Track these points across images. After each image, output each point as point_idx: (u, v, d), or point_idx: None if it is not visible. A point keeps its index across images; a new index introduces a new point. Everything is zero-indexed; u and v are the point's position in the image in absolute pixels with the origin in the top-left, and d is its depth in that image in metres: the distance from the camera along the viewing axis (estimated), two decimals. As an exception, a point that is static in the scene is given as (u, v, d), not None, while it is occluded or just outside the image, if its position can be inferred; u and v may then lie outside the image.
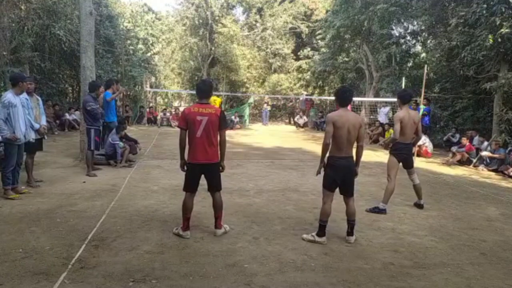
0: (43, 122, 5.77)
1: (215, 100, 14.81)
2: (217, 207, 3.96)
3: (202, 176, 3.92)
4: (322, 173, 3.98)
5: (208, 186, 3.99)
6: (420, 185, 5.40)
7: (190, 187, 3.89)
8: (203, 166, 3.82)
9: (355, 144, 3.95)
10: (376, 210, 5.03)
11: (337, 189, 3.98)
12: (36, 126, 5.48)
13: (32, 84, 5.59)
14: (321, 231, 3.90)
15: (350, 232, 4.00)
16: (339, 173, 3.84)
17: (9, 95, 4.92)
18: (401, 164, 5.22)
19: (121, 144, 7.55)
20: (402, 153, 5.13)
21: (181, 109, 21.68)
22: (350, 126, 3.77)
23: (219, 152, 3.88)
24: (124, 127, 8.10)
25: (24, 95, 5.26)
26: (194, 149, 3.77)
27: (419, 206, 5.39)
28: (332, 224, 4.45)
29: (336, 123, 3.75)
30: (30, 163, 5.73)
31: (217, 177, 3.94)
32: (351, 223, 3.99)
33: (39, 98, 5.87)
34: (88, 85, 7.07)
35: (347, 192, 3.97)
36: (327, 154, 3.89)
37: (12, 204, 4.74)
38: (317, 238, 3.89)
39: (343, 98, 3.91)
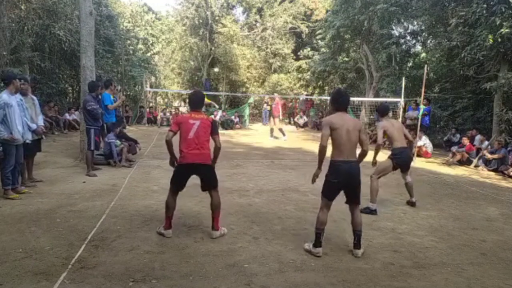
0: (40, 122, 5.69)
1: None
2: (214, 206, 3.92)
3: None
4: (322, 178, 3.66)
5: (205, 186, 3.98)
6: (412, 183, 5.48)
7: (175, 185, 3.92)
8: (194, 167, 3.84)
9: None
10: (367, 211, 4.94)
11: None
12: (33, 126, 5.40)
13: (25, 84, 5.39)
14: (317, 241, 3.58)
15: (357, 244, 3.63)
16: (341, 179, 3.54)
17: (4, 96, 4.90)
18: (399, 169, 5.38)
19: (118, 142, 7.53)
20: (401, 157, 5.24)
21: (181, 109, 21.73)
22: (349, 127, 3.55)
23: (211, 155, 3.91)
24: (123, 126, 8.08)
25: (18, 95, 5.18)
26: (185, 150, 3.80)
27: (411, 203, 5.47)
28: (333, 224, 4.45)
29: (333, 125, 3.53)
30: (30, 163, 5.73)
31: (212, 176, 3.95)
32: (357, 234, 3.63)
33: (35, 98, 5.74)
34: (88, 85, 7.06)
35: (353, 200, 3.65)
36: (330, 158, 3.61)
37: (12, 204, 4.74)
38: (313, 249, 3.59)
39: (339, 102, 3.68)
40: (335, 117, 3.62)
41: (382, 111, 5.55)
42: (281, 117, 13.65)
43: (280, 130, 13.06)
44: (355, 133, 3.59)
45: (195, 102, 4.02)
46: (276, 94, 14.14)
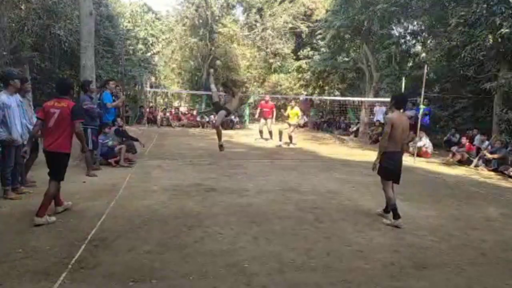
0: None
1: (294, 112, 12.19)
2: (45, 195, 4.13)
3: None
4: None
5: (49, 173, 4.23)
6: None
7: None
8: (48, 154, 4.17)
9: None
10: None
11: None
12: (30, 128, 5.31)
13: (22, 86, 5.18)
14: (396, 215, 4.48)
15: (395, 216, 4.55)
16: (396, 165, 4.60)
17: (2, 96, 4.86)
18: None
19: (110, 143, 7.46)
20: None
21: (181, 109, 21.72)
22: (404, 126, 4.56)
23: (68, 143, 4.21)
24: (118, 125, 8.05)
25: (18, 96, 5.11)
26: (45, 137, 4.22)
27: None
28: (333, 224, 4.46)
29: (395, 124, 4.49)
30: (28, 164, 5.73)
31: (55, 166, 4.20)
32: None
33: (30, 99, 5.66)
34: (82, 85, 7.05)
35: (398, 180, 4.72)
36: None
37: (12, 204, 4.74)
38: (394, 222, 4.46)
39: (400, 102, 4.76)
40: (396, 116, 4.57)
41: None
42: (273, 120, 12.97)
43: (270, 132, 12.69)
44: (406, 130, 4.65)
45: (58, 89, 4.34)
46: (267, 95, 13.26)
